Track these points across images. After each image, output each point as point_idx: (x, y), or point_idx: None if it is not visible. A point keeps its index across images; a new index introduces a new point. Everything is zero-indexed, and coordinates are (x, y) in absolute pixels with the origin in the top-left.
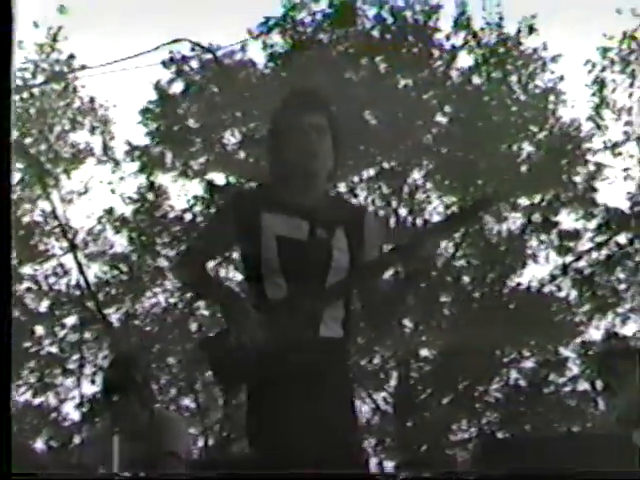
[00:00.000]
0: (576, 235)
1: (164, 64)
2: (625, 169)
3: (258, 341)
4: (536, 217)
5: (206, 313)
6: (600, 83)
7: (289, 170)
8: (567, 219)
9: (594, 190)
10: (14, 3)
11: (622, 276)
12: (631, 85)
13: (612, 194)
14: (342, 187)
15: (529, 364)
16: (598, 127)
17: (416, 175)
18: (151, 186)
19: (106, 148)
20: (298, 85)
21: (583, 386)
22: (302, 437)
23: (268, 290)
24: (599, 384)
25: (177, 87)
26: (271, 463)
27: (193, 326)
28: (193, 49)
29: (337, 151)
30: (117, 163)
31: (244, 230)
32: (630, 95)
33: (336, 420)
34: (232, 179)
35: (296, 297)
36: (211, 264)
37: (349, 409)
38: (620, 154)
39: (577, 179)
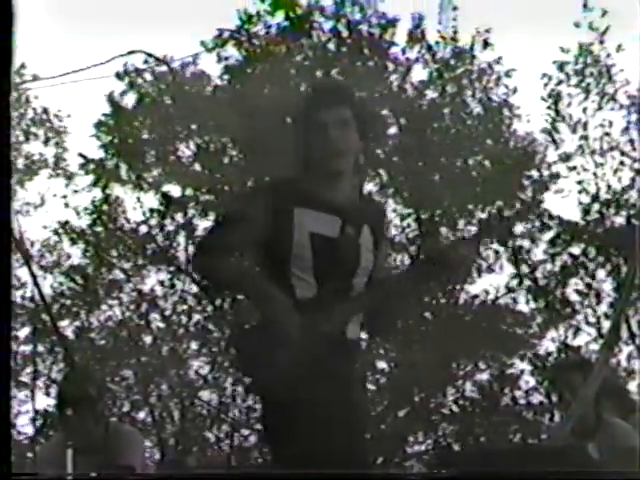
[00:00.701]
0: (531, 245)
1: (118, 76)
2: (579, 182)
3: (296, 339)
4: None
5: (162, 325)
6: (556, 97)
7: (315, 167)
8: (522, 230)
9: (542, 202)
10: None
11: (576, 287)
12: (586, 99)
13: (566, 206)
14: None
15: (485, 376)
16: (553, 141)
17: (371, 187)
18: (106, 199)
19: (59, 160)
20: (320, 79)
21: (538, 398)
22: (327, 438)
23: (297, 288)
24: (554, 396)
25: (131, 99)
26: (298, 457)
27: (148, 339)
28: (146, 61)
29: (365, 143)
30: (70, 177)
31: (276, 224)
32: (585, 109)
33: (359, 420)
34: (188, 191)
35: (325, 297)
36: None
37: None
38: (575, 167)
39: (531, 192)
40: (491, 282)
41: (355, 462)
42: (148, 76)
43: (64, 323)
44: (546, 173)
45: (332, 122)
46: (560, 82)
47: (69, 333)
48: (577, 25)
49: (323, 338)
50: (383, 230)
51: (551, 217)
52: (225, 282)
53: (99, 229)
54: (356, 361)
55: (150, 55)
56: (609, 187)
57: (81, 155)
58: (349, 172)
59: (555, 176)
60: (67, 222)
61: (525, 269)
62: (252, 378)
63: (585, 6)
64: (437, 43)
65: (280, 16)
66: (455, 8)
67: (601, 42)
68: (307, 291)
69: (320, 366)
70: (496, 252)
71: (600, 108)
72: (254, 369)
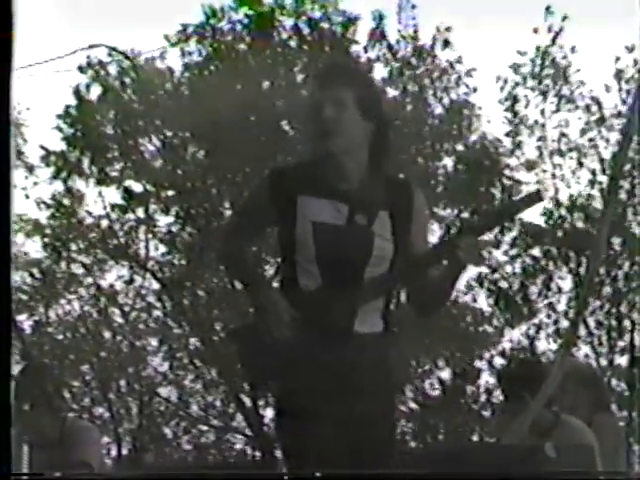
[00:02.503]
0: (495, 246)
1: (81, 69)
2: (538, 182)
3: (287, 336)
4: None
5: (121, 321)
6: (513, 99)
7: (312, 149)
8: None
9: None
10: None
11: (536, 289)
12: (544, 101)
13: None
14: None
15: (444, 375)
16: (517, 145)
17: None
18: (68, 191)
19: (19, 152)
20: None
21: (498, 397)
22: (333, 436)
23: (301, 279)
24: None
25: (94, 92)
26: (303, 462)
27: (107, 335)
28: (110, 54)
29: (375, 125)
30: (31, 168)
31: (279, 213)
32: (542, 112)
33: (370, 419)
34: (149, 186)
35: (330, 289)
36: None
37: (386, 408)
38: (534, 168)
39: (494, 193)
40: None
41: (366, 464)
42: (112, 70)
43: (21, 317)
44: (508, 174)
45: (326, 100)
46: (517, 84)
47: (26, 327)
48: (535, 31)
49: (327, 332)
50: (411, 214)
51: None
52: (231, 270)
53: (59, 222)
54: (368, 356)
55: (113, 49)
56: (568, 188)
57: (42, 147)
58: (349, 154)
59: (517, 181)
60: (26, 215)
61: (485, 270)
62: (250, 375)
63: (548, 9)
64: (397, 42)
65: (244, 12)
66: (414, 7)
67: (559, 45)
68: (311, 281)
69: (323, 362)
70: None
71: (558, 110)
72: (252, 366)
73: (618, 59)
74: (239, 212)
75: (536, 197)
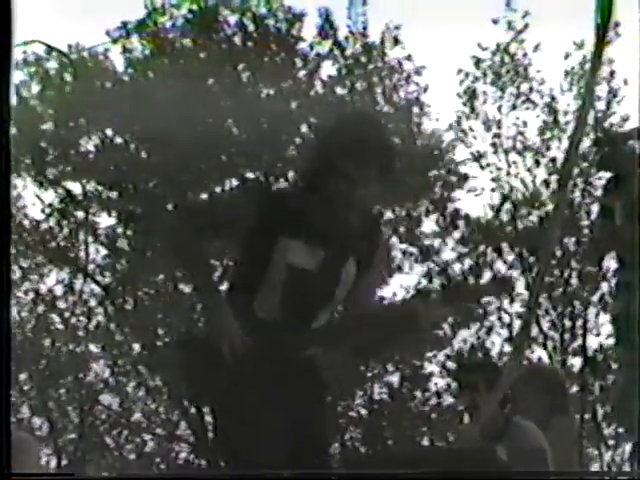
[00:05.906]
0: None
1: (16, 65)
2: (493, 180)
3: (235, 357)
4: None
5: (61, 327)
6: (471, 94)
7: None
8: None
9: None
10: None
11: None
12: (501, 98)
13: (477, 205)
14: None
15: (393, 378)
16: (462, 140)
17: (280, 186)
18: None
19: None
20: (362, 111)
21: (448, 400)
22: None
23: (258, 306)
24: (463, 398)
25: (31, 90)
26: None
27: (46, 342)
28: (49, 52)
29: (382, 181)
30: None
31: (259, 239)
32: (500, 108)
33: (312, 436)
34: (89, 187)
35: (284, 323)
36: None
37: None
38: (488, 165)
39: (440, 190)
40: (401, 282)
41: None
42: (51, 65)
43: None
44: (457, 171)
45: (361, 178)
46: (476, 79)
47: None
48: (495, 22)
49: (276, 360)
50: (371, 262)
51: (459, 216)
52: (187, 266)
53: None
54: (308, 380)
55: (49, 46)
56: (524, 186)
57: None
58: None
59: (464, 177)
60: None
61: (435, 269)
62: (192, 389)
63: (508, 5)
64: (346, 39)
65: (187, 8)
66: (365, 2)
67: (520, 41)
68: (268, 312)
69: (270, 383)
70: (404, 253)
71: (514, 107)
72: (195, 381)
73: (568, 55)
74: (210, 211)
75: (508, 286)
